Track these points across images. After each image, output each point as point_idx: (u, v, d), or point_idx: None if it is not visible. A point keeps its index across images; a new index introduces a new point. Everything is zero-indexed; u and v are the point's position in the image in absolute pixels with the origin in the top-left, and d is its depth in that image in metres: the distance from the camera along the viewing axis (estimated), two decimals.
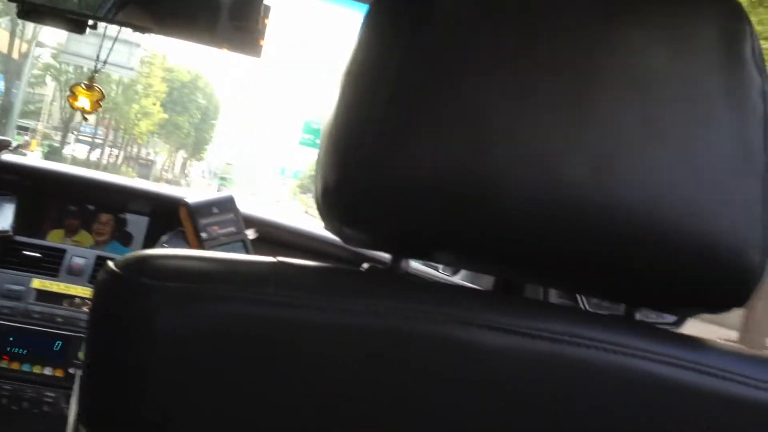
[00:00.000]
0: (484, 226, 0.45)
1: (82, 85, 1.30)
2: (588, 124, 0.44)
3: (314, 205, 0.51)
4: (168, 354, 0.42)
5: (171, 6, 1.21)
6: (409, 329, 0.44)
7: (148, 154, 40.71)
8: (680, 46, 0.46)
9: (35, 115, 28.82)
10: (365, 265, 0.51)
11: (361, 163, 0.44)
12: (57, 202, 1.59)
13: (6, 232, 1.46)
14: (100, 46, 1.28)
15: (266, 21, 1.20)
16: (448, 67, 0.44)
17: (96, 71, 1.26)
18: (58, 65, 25.79)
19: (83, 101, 1.31)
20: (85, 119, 1.38)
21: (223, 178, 55.37)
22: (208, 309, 0.43)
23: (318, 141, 0.52)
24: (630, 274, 0.48)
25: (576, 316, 0.48)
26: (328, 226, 0.50)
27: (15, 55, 24.30)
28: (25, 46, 23.40)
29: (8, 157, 1.59)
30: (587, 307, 1.36)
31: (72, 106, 1.31)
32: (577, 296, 1.33)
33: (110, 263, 0.45)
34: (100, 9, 1.20)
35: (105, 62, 1.27)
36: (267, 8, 1.20)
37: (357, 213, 0.46)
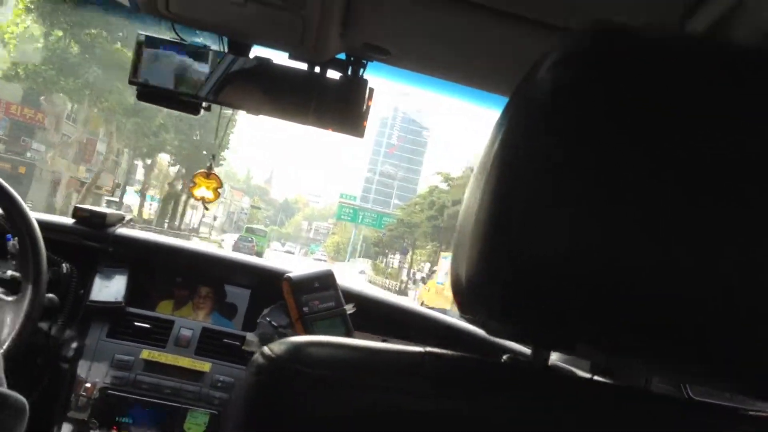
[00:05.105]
0: (622, 315, 0.44)
1: (202, 174, 1.33)
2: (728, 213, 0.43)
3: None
4: None
5: (280, 89, 1.27)
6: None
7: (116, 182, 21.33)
8: None
9: None
10: (505, 357, 0.51)
11: (511, 259, 0.44)
12: (166, 274, 1.66)
13: (119, 303, 1.53)
14: (217, 128, 1.34)
15: (371, 102, 1.24)
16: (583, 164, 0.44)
17: (213, 158, 1.31)
18: None
19: (203, 191, 1.35)
20: (206, 209, 1.43)
21: (249, 230, 37.09)
22: (358, 397, 0.44)
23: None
24: None
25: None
26: (471, 318, 0.50)
27: None
28: None
29: (122, 230, 1.69)
30: (691, 395, 1.31)
31: (194, 197, 1.36)
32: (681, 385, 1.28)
33: (266, 348, 0.47)
34: (210, 92, 1.29)
35: (220, 144, 1.33)
36: (371, 90, 1.24)
37: (507, 307, 0.46)
